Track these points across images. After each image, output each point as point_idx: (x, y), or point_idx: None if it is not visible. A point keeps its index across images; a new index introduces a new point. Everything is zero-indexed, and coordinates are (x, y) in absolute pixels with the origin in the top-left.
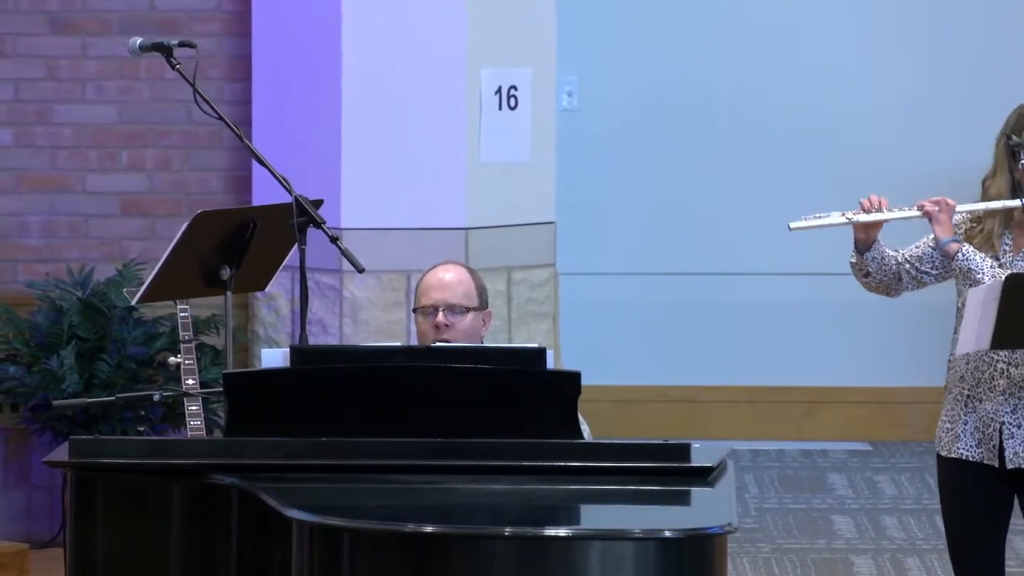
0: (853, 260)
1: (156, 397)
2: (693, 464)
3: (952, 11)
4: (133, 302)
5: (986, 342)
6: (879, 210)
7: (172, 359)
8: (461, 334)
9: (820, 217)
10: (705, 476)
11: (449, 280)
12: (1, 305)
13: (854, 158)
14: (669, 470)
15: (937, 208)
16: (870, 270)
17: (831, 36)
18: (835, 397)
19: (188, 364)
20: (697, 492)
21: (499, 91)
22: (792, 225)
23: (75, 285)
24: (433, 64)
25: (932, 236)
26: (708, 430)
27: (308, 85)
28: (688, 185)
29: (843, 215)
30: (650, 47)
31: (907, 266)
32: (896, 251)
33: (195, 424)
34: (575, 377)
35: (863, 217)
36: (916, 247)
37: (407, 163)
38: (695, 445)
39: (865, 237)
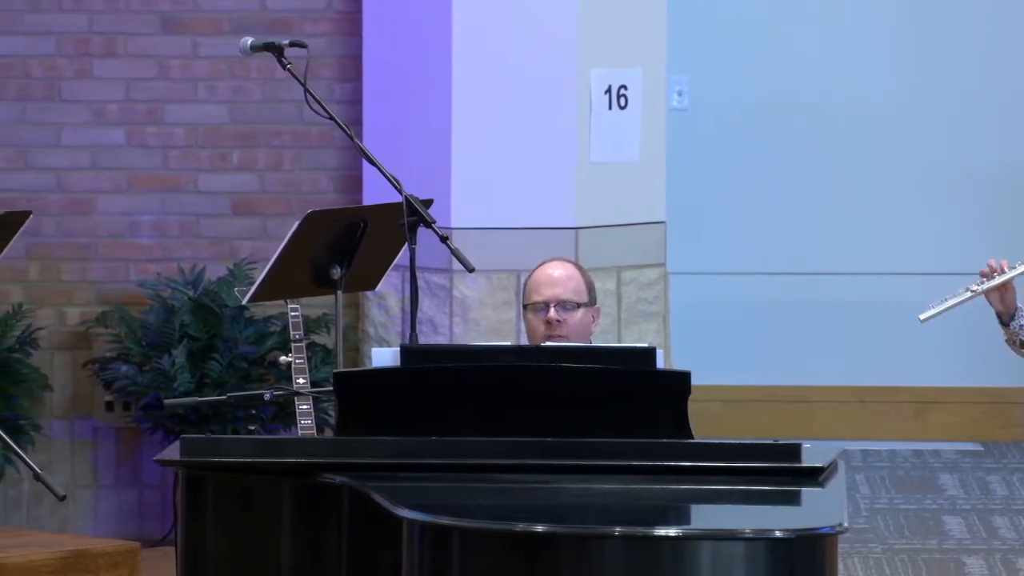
0: (1005, 337)
1: (267, 396)
2: (804, 464)
3: None
4: (244, 301)
5: None
6: (1001, 272)
7: (283, 358)
8: (572, 330)
9: (946, 300)
10: (816, 476)
11: (559, 276)
12: (113, 304)
13: (963, 161)
14: (780, 470)
15: None
16: (1023, 339)
17: (942, 40)
18: (946, 397)
19: (299, 363)
20: (808, 492)
21: (609, 91)
22: (922, 317)
23: (186, 284)
24: (543, 64)
25: None
26: (818, 430)
27: (418, 84)
28: (797, 185)
29: (967, 290)
30: (760, 47)
31: None
32: None
33: (306, 423)
34: (685, 377)
35: (987, 285)
36: None
37: (517, 163)
38: (806, 445)
39: (1003, 307)
